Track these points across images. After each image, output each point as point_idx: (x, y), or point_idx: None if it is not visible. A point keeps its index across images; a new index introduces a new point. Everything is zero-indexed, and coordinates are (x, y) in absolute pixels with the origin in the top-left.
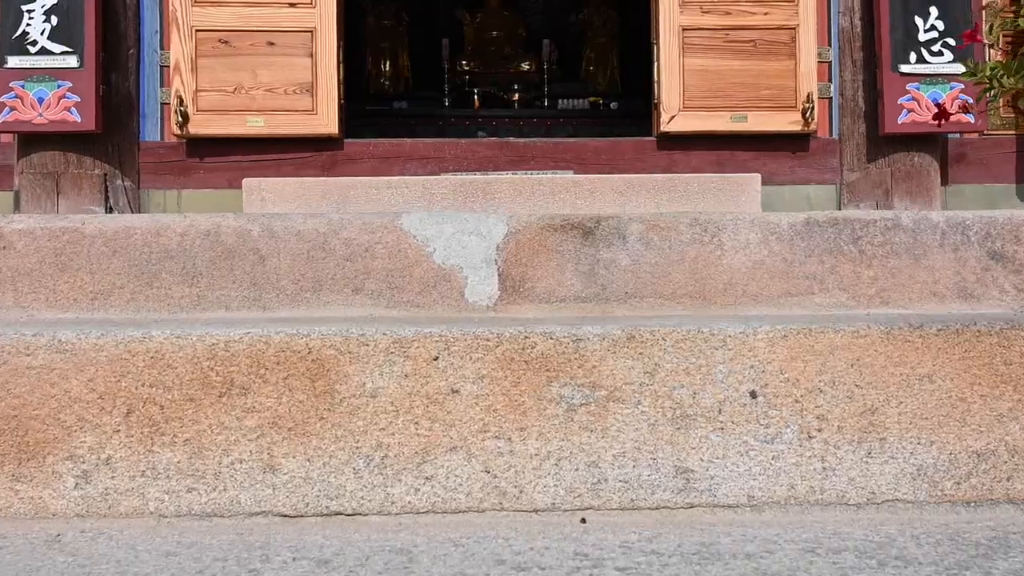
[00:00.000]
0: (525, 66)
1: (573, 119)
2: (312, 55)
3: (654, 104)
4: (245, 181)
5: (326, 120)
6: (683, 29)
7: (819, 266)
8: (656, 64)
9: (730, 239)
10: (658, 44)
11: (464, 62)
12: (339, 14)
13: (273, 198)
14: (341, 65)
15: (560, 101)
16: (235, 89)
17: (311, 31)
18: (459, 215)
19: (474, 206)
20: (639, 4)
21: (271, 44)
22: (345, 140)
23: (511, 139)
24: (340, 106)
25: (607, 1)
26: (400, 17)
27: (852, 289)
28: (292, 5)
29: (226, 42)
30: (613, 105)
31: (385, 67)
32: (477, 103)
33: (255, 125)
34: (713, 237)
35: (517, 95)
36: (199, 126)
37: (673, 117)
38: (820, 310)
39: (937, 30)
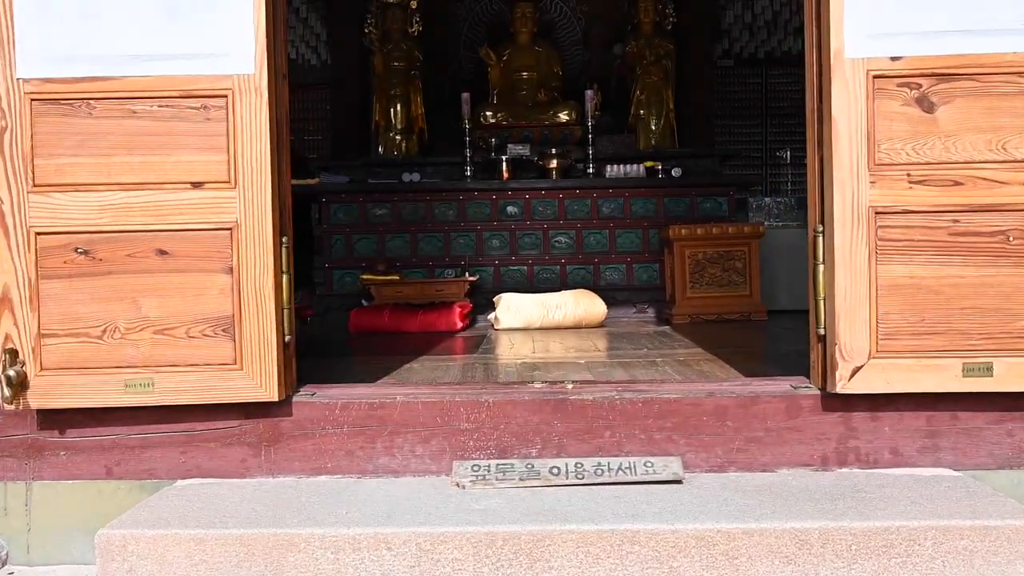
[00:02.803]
0: (563, 115)
1: (625, 190)
2: (233, 269)
3: (818, 336)
4: (99, 537)
5: (257, 377)
6: (876, 213)
7: None
8: (821, 269)
9: None
10: (826, 237)
11: (489, 113)
12: (279, 192)
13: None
14: (286, 276)
15: (608, 167)
16: (104, 331)
17: (231, 229)
18: None
19: None
20: (701, 30)
21: (163, 254)
22: (294, 400)
23: (571, 393)
24: (283, 347)
25: (660, 29)
26: (413, 57)
27: None
28: (197, 186)
29: (87, 252)
30: (676, 172)
31: (396, 118)
32: (506, 172)
33: (138, 391)
34: None
35: (555, 161)
36: (44, 395)
37: (858, 369)
38: None
39: None
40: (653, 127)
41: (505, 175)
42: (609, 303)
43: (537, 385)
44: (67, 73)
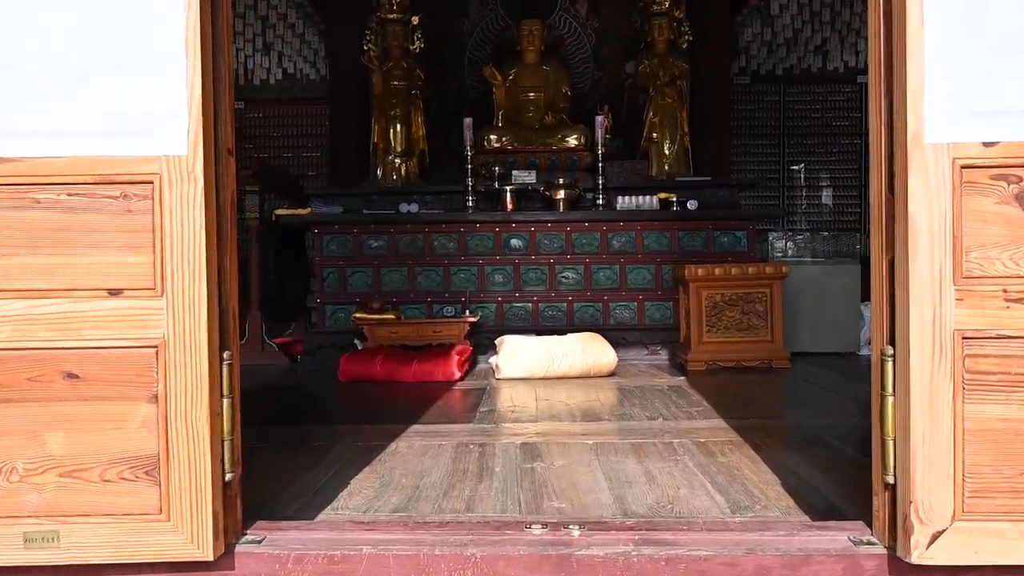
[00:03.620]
0: (572, 140)
1: (637, 223)
2: (159, 397)
3: (885, 483)
4: None
5: (188, 530)
6: (963, 338)
7: None
8: (891, 402)
9: None
10: (898, 363)
11: (493, 136)
12: (220, 298)
13: None
14: (229, 400)
15: (620, 198)
16: None
17: (156, 347)
18: None
19: None
20: (717, 48)
21: (73, 378)
22: (237, 550)
23: (576, 545)
24: (223, 488)
25: (675, 47)
26: (414, 76)
27: None
28: (115, 293)
29: None
30: (691, 204)
31: (396, 140)
32: (510, 203)
33: (41, 546)
34: None
35: (562, 192)
36: None
37: (939, 535)
38: None
39: None
40: (667, 151)
41: (509, 206)
42: (619, 344)
43: (536, 531)
44: None
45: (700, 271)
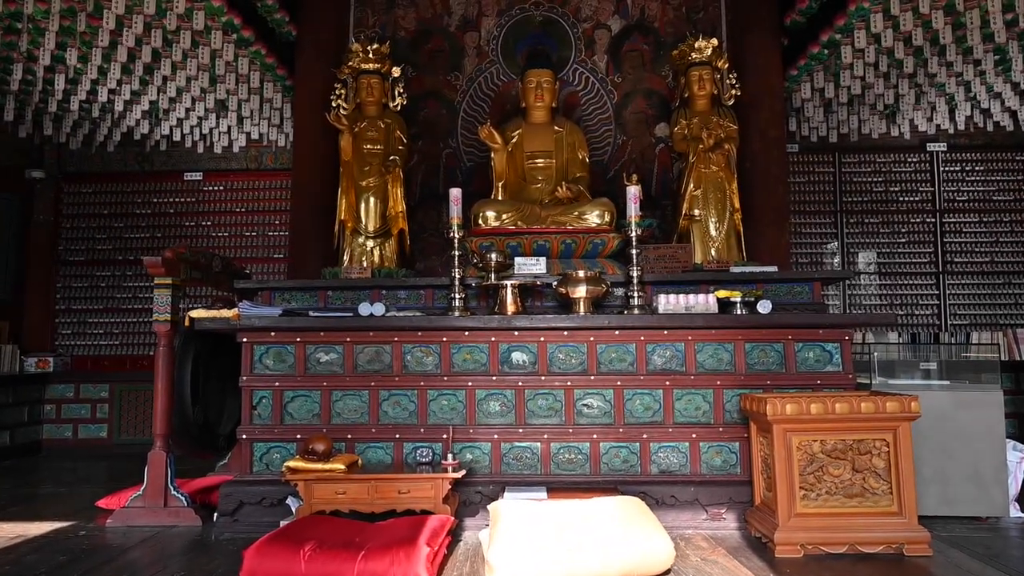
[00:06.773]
0: (593, 218)
1: (688, 332)
2: None
3: None
4: None
5: None
6: None
7: None
8: None
9: None
10: None
11: (491, 213)
12: None
13: None
14: None
15: (662, 297)
16: None
17: None
18: None
19: None
20: (766, 106)
21: None
22: None
23: None
24: None
25: (719, 104)
26: (393, 139)
27: None
28: None
29: None
30: (764, 306)
31: (368, 218)
32: (511, 302)
33: None
34: None
35: (583, 287)
36: None
37: None
38: None
39: None
40: (714, 233)
41: (510, 307)
42: (666, 505)
43: None
44: None
45: (788, 406)
